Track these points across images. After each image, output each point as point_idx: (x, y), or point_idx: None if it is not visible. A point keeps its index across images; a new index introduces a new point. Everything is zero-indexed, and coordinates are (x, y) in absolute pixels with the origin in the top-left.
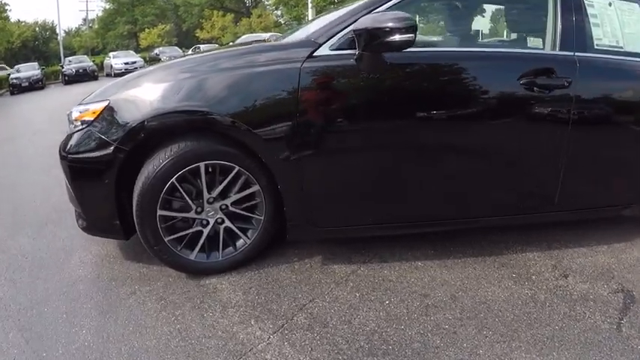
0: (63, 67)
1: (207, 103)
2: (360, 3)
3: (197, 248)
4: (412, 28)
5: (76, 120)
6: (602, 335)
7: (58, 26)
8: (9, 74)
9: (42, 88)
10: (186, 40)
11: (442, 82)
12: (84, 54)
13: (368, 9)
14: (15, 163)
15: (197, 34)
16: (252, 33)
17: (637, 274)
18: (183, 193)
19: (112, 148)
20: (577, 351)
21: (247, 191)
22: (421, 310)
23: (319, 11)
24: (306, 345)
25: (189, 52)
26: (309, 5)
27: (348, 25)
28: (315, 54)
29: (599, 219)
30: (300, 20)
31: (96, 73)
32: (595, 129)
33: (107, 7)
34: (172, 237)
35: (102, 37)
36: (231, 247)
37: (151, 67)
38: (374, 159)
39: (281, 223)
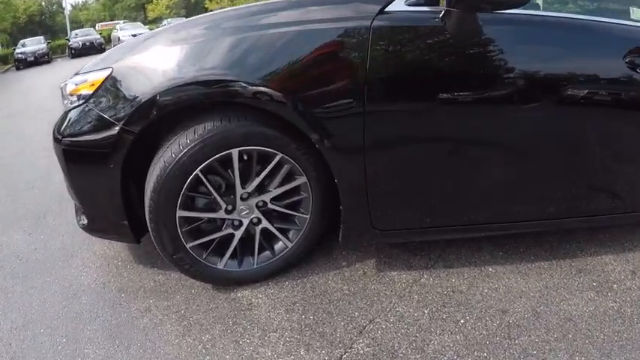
0: (69, 41)
1: (242, 71)
2: None
3: (227, 255)
4: None
5: (71, 94)
6: None
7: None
8: (14, 49)
9: (48, 62)
10: (194, 11)
11: (547, 55)
12: (91, 27)
13: None
14: (14, 142)
15: (206, 5)
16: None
17: None
18: (211, 189)
19: (116, 129)
20: None
21: (291, 184)
22: (503, 331)
23: None
24: None
25: None
26: None
27: None
28: (387, 9)
29: None
30: None
31: (103, 46)
32: None
33: None
34: (196, 243)
35: (109, 9)
36: (267, 252)
37: (166, 26)
38: (455, 146)
39: (329, 222)
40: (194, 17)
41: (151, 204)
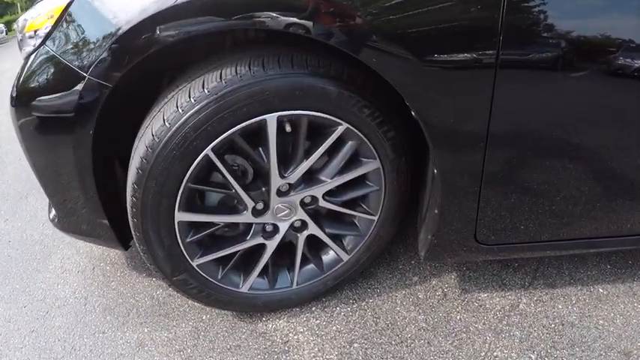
0: None
1: None
2: None
3: (255, 273)
4: None
5: (27, 33)
6: None
7: None
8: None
9: None
10: None
11: None
12: None
13: None
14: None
15: None
16: None
17: None
18: (230, 178)
19: (82, 82)
20: None
21: (357, 171)
22: None
23: None
24: None
25: None
26: None
27: None
28: None
29: None
30: None
31: None
32: None
33: None
34: (207, 258)
35: None
36: (312, 266)
37: None
38: (615, 132)
39: (399, 228)
40: None
41: (135, 203)
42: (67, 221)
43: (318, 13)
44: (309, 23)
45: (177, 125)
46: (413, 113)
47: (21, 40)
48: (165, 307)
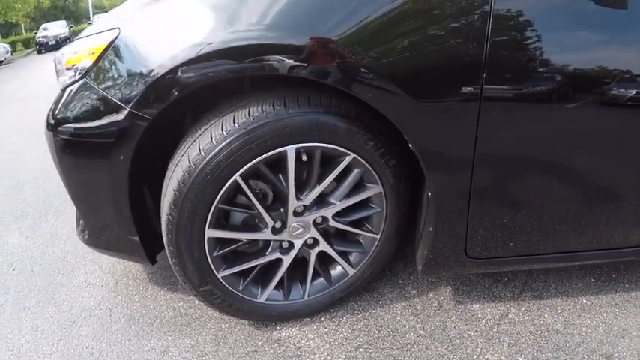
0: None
1: (301, 33)
2: None
3: (272, 285)
4: None
5: (66, 66)
6: None
7: None
8: (36, 33)
9: None
10: None
11: None
12: None
13: None
14: (24, 127)
15: None
16: None
17: None
18: (254, 200)
19: (123, 113)
20: None
21: (362, 195)
22: None
23: None
24: None
25: None
26: None
27: None
28: None
29: None
30: None
31: None
32: None
33: None
34: (230, 271)
35: None
36: (322, 280)
37: None
38: (586, 154)
39: (399, 246)
40: None
41: (170, 220)
42: (98, 238)
43: (317, 56)
44: (307, 65)
45: (211, 154)
46: (410, 145)
47: (59, 71)
48: (186, 317)
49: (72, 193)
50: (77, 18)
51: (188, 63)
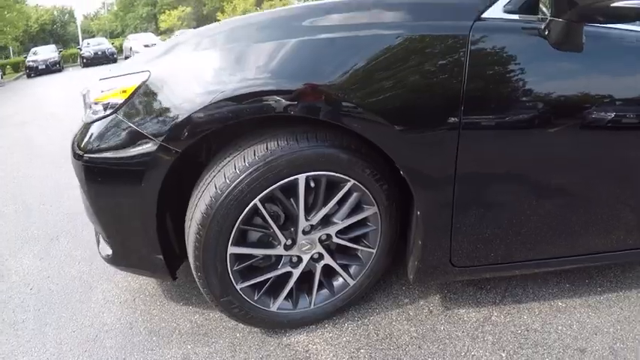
0: (81, 50)
1: (316, 81)
2: None
3: (283, 295)
4: None
5: (96, 102)
6: None
7: (76, 11)
8: (25, 57)
9: (59, 70)
10: (205, 23)
11: None
12: (102, 37)
13: None
14: (24, 152)
15: (218, 17)
16: None
17: None
18: (270, 221)
19: (155, 146)
20: None
21: (360, 215)
22: None
23: None
24: None
25: None
26: None
27: None
28: (483, 16)
29: None
30: None
31: (115, 56)
32: None
33: None
34: (248, 283)
35: (121, 19)
36: (326, 291)
37: (212, 25)
38: (549, 174)
39: (395, 255)
40: (245, 17)
41: (198, 239)
42: (123, 257)
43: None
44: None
45: (235, 182)
46: (401, 171)
47: (87, 105)
48: (203, 328)
49: (99, 216)
50: (65, 42)
51: (206, 108)
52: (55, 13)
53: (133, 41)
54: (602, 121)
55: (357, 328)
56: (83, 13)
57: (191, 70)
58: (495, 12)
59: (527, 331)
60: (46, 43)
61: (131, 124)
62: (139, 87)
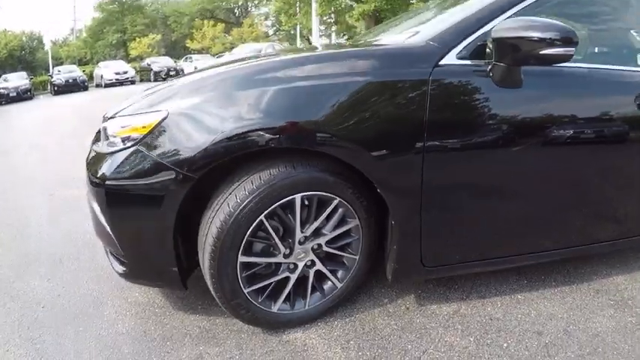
0: (52, 77)
1: (323, 118)
2: (487, 3)
3: (282, 297)
4: (573, 41)
5: (114, 135)
6: None
7: (45, 36)
8: None
9: (30, 98)
10: (174, 50)
11: (576, 102)
12: (71, 64)
13: (502, 10)
14: (11, 182)
15: (187, 45)
16: (243, 43)
17: None
18: (273, 233)
19: (174, 174)
20: None
21: (345, 227)
22: (542, 350)
23: (324, 21)
24: None
25: (181, 62)
26: (314, 14)
27: (477, 30)
28: (441, 62)
29: None
30: (299, 30)
31: (86, 83)
32: None
33: (96, 15)
34: (253, 287)
35: (91, 46)
36: (318, 293)
37: (217, 70)
38: (501, 184)
39: (374, 261)
40: (246, 64)
41: (214, 250)
42: (139, 272)
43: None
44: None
45: (245, 202)
46: (378, 189)
47: (106, 138)
48: (211, 332)
49: (118, 237)
50: (33, 69)
51: (214, 144)
52: (24, 38)
53: (104, 69)
54: (534, 139)
55: (346, 325)
56: (51, 39)
57: (198, 113)
58: (450, 59)
59: (491, 319)
60: (15, 69)
61: (153, 155)
62: (159, 124)
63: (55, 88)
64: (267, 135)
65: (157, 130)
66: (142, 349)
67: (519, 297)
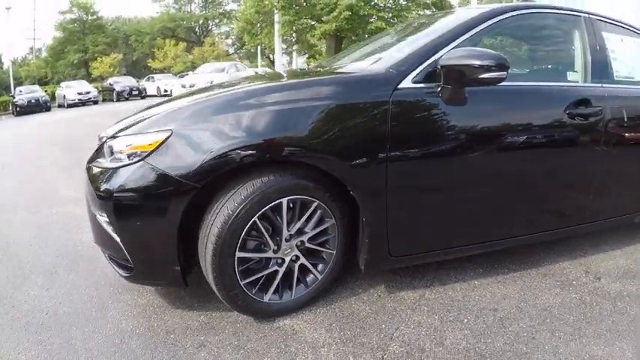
0: (14, 98)
1: (296, 135)
2: (436, 35)
3: (272, 288)
4: (506, 66)
5: (120, 152)
6: None
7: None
8: None
9: None
10: (134, 69)
11: (514, 113)
12: (32, 84)
13: (449, 41)
14: None
15: (149, 64)
16: (204, 62)
17: None
18: (264, 232)
19: (178, 185)
20: (633, 339)
21: (323, 226)
22: (497, 323)
23: (286, 40)
24: None
25: (143, 81)
26: (277, 34)
27: (428, 58)
28: (399, 86)
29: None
30: (264, 48)
31: (49, 104)
32: (619, 147)
33: (57, 35)
34: (248, 280)
35: (51, 66)
36: (302, 285)
37: (210, 94)
38: (453, 185)
39: (349, 255)
40: (237, 90)
41: (215, 248)
42: (144, 273)
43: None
44: (307, 160)
45: (242, 205)
46: (351, 192)
47: (114, 154)
48: (210, 324)
49: (126, 243)
50: None
51: (208, 160)
52: None
53: (67, 89)
54: (479, 146)
55: (327, 311)
56: (10, 58)
57: (197, 133)
58: (407, 83)
59: (452, 301)
60: None
61: (160, 168)
62: (164, 141)
63: (17, 109)
64: (260, 150)
65: (163, 147)
66: (148, 343)
67: (476, 282)
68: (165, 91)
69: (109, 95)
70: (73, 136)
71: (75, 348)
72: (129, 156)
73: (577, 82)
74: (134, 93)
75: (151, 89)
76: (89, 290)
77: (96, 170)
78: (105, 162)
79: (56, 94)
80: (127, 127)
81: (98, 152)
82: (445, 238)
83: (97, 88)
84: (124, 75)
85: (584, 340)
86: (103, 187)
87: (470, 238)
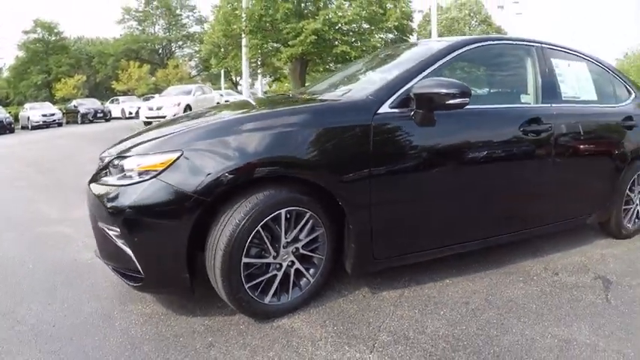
0: None
1: (295, 153)
2: (408, 66)
3: (272, 291)
4: (468, 93)
5: (131, 170)
6: (599, 307)
7: None
8: None
9: None
10: (97, 91)
11: (476, 132)
12: None
13: (419, 72)
14: None
15: (113, 86)
16: (168, 84)
17: (605, 265)
18: (266, 239)
19: (190, 199)
20: (588, 320)
21: (315, 234)
22: (470, 313)
23: (251, 63)
24: (403, 355)
25: (107, 104)
26: (244, 58)
27: (403, 87)
28: (379, 111)
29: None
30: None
31: (12, 125)
32: (568, 158)
33: (20, 54)
34: (251, 284)
35: (14, 86)
36: (297, 288)
37: (219, 118)
38: (427, 195)
39: (336, 260)
40: (240, 115)
41: (224, 254)
42: (155, 281)
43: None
44: (303, 175)
45: (247, 216)
46: (340, 203)
47: (124, 172)
48: (215, 327)
49: (137, 254)
50: None
51: (217, 177)
52: None
53: (31, 110)
54: (448, 161)
55: (320, 311)
56: None
57: (204, 154)
58: (385, 109)
59: (429, 297)
60: None
61: (173, 184)
62: (176, 160)
63: None
64: (264, 167)
65: (175, 166)
66: (160, 346)
67: (448, 281)
68: (130, 113)
69: (73, 117)
70: (45, 158)
71: (88, 355)
72: (139, 174)
73: (529, 103)
74: (99, 115)
75: (115, 111)
76: (92, 303)
77: (103, 188)
78: (112, 180)
79: (20, 116)
80: (132, 148)
81: (102, 171)
82: (422, 242)
83: (60, 110)
84: (87, 97)
85: (546, 323)
86: (114, 202)
87: (442, 241)
